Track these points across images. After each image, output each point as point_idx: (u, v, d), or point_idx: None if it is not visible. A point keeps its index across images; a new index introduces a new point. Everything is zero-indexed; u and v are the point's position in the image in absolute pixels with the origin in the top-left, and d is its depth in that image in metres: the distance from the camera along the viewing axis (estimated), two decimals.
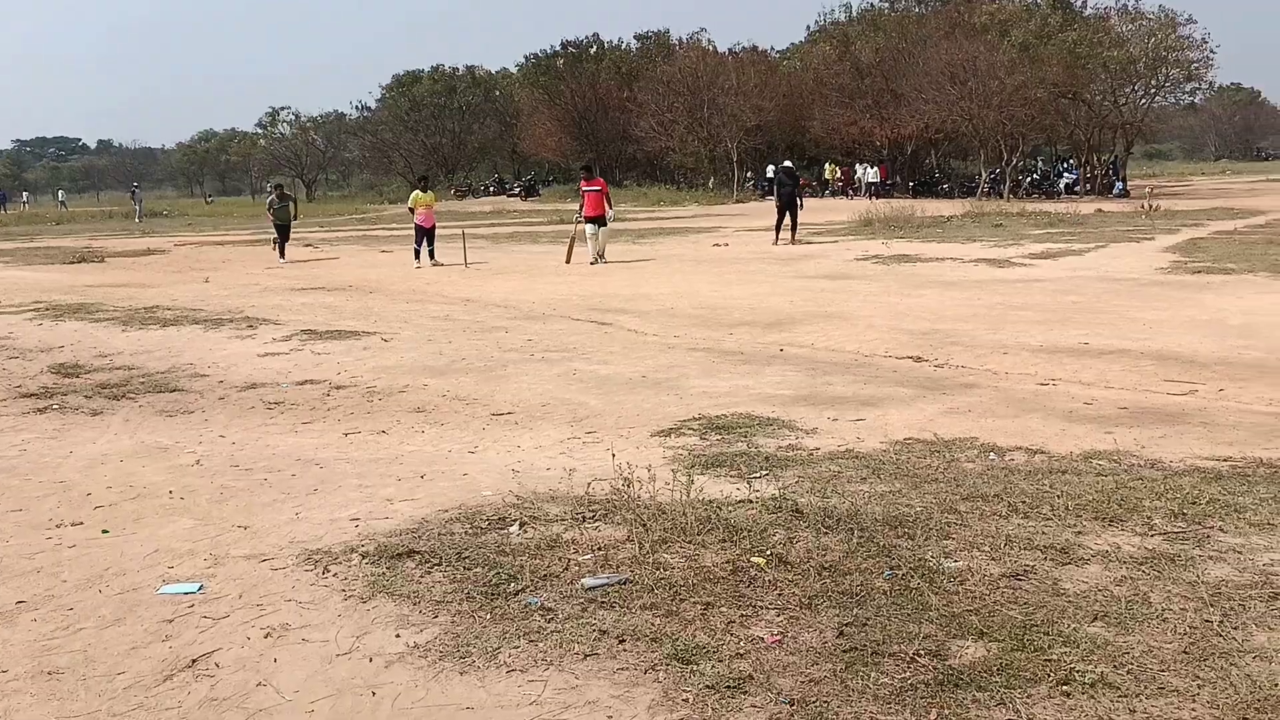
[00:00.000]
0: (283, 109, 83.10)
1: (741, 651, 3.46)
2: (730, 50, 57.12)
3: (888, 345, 9.91)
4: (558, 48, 64.00)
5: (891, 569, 4.07)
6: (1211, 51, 42.23)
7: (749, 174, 51.02)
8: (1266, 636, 3.43)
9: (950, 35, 42.02)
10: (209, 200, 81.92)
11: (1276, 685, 3.08)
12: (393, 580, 4.17)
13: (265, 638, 3.74)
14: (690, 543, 4.39)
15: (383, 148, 72.39)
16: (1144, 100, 43.38)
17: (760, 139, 49.47)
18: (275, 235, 22.20)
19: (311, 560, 4.45)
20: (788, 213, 22.10)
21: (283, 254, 21.73)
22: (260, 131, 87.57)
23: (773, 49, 61.35)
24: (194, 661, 3.59)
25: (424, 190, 21.35)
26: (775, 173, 29.77)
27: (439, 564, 4.31)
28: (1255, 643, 3.39)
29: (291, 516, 5.09)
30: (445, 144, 70.71)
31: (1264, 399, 7.35)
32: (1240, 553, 4.18)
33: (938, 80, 39.71)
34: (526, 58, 67.66)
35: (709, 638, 3.56)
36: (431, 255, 20.06)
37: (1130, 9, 42.61)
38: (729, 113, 47.05)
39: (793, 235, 22.02)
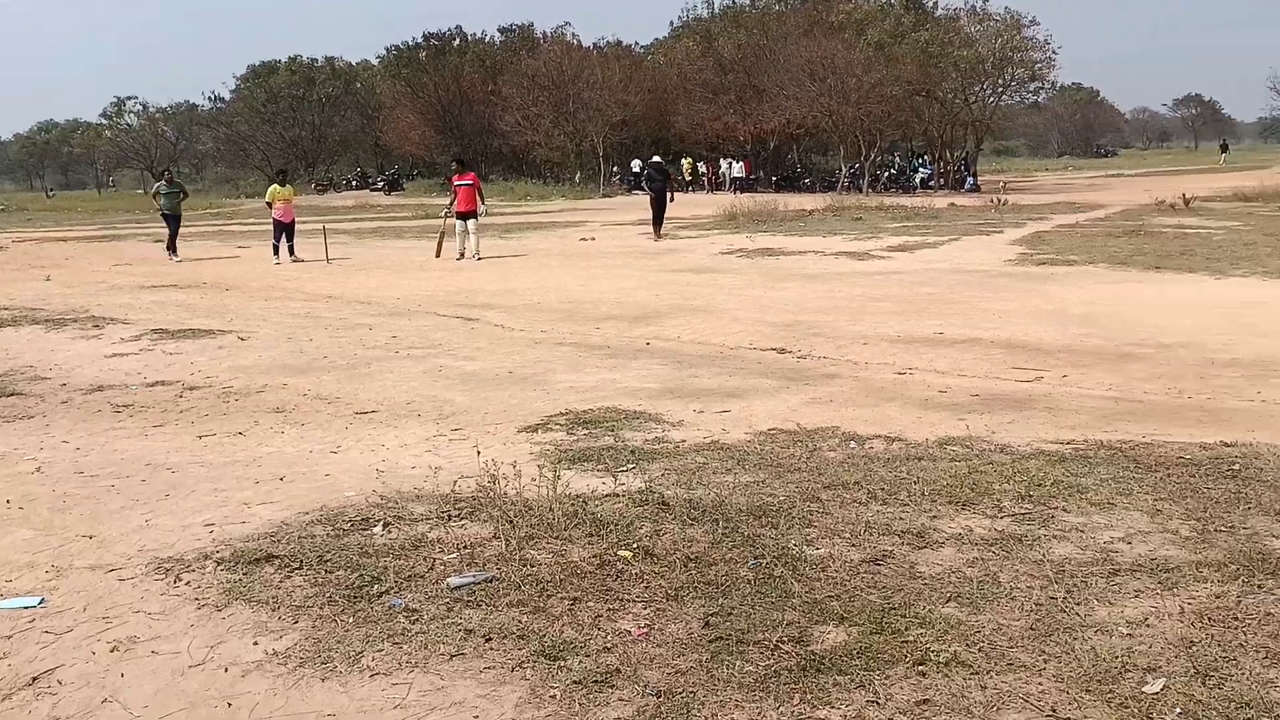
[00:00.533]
0: (129, 98, 79.90)
1: (609, 645, 3.46)
2: (595, 45, 57.38)
3: (752, 337, 10.07)
4: (419, 40, 63.15)
5: (756, 558, 4.14)
6: (1053, 52, 44.36)
7: (615, 169, 51.19)
8: (1106, 611, 3.60)
9: (809, 33, 42.94)
10: (50, 194, 77.97)
11: (1116, 657, 3.24)
12: (250, 586, 4.03)
13: (111, 652, 3.58)
14: (557, 538, 4.37)
15: (238, 140, 70.13)
16: (992, 99, 45.17)
17: (626, 134, 49.68)
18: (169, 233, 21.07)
19: (162, 569, 4.27)
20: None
21: (172, 248, 20.58)
22: (105, 122, 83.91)
23: (637, 44, 61.78)
24: (35, 679, 3.41)
25: (282, 184, 20.80)
26: (644, 168, 29.96)
27: (299, 568, 4.19)
28: (1096, 617, 3.56)
29: (140, 524, 4.88)
30: (305, 137, 68.94)
31: (1104, 384, 7.72)
32: (1082, 531, 4.38)
33: (798, 77, 40.53)
34: (388, 49, 66.62)
35: (576, 633, 3.55)
36: (291, 251, 19.50)
37: (978, 10, 44.33)
38: (594, 107, 47.10)
39: (657, 231, 22.20)
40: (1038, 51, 43.43)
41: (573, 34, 58.78)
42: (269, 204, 20.38)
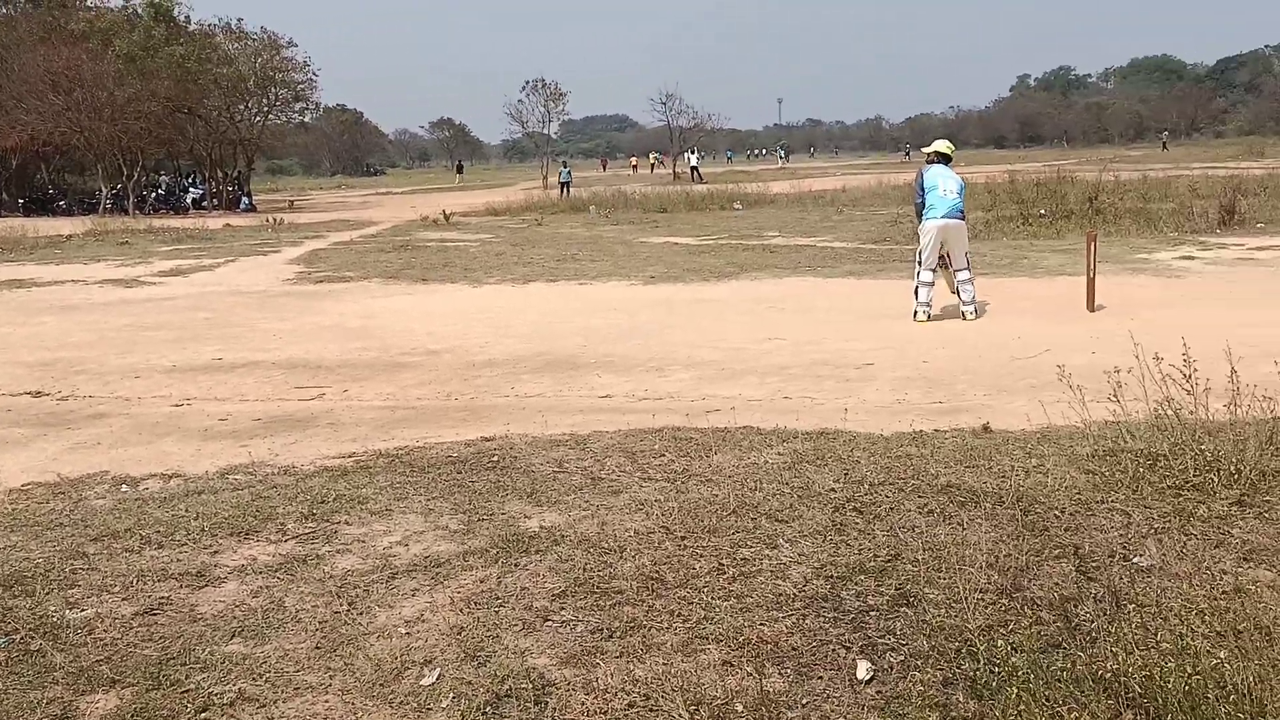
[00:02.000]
0: None
1: None
2: None
3: (0, 381, 8.89)
4: None
5: (7, 635, 3.63)
6: (314, 74, 45.54)
7: None
8: (386, 615, 3.75)
9: (47, 40, 38.92)
10: None
11: (396, 658, 3.39)
12: None
13: None
14: None
15: None
16: (259, 117, 44.99)
17: None
18: None
19: None
20: None
21: None
22: None
23: None
24: None
25: None
26: None
27: None
28: (378, 623, 3.69)
29: None
30: None
31: (381, 394, 8.07)
32: (364, 541, 4.52)
33: (38, 88, 36.49)
34: None
35: None
36: None
37: (234, 28, 43.87)
38: None
39: None
40: (299, 72, 44.31)
41: None
42: None
